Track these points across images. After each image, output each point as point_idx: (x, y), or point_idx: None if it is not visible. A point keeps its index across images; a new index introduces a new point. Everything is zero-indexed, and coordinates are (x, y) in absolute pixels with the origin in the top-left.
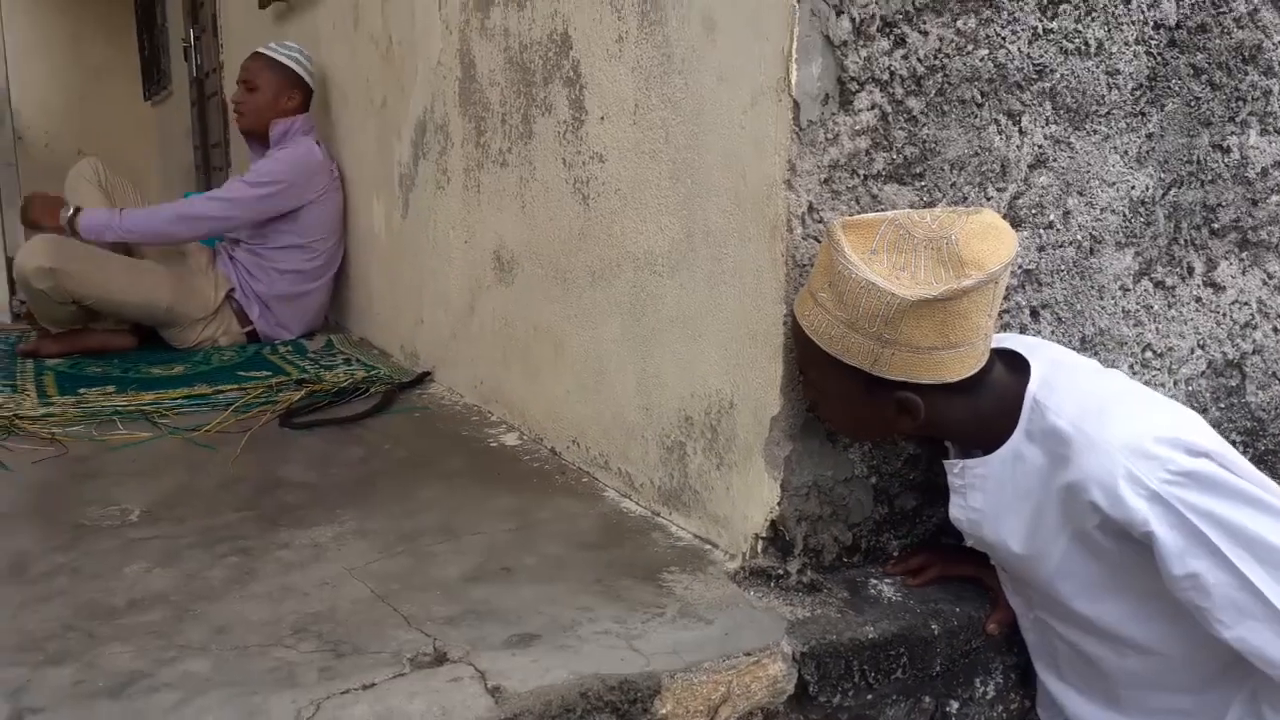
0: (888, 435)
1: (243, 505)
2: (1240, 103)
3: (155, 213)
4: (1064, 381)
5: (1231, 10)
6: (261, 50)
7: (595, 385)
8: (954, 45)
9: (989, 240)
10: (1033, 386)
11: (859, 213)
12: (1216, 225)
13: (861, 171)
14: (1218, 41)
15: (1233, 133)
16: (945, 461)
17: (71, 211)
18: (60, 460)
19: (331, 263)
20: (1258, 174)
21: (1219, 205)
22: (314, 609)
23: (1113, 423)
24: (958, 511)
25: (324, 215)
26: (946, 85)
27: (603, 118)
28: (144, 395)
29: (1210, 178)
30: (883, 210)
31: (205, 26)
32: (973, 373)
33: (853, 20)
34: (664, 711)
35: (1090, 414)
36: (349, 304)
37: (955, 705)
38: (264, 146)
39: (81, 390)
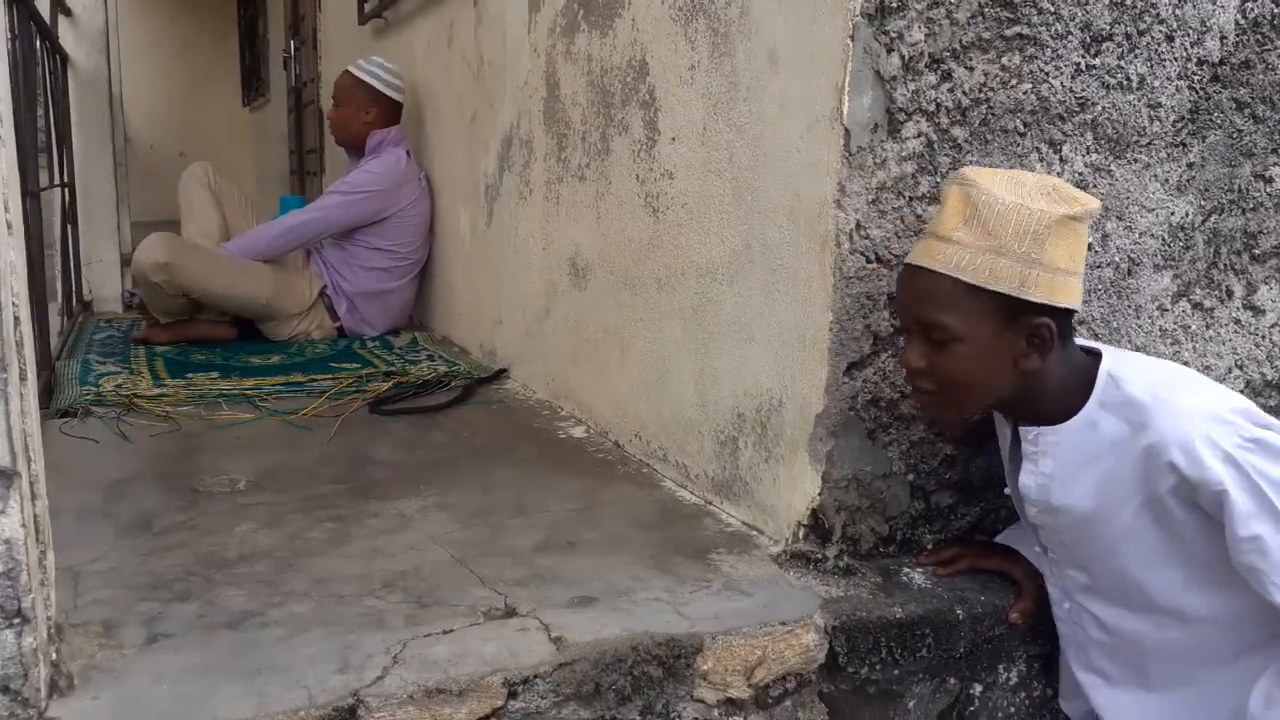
0: (996, 393)
1: (337, 479)
2: None
3: (261, 235)
4: (1134, 362)
5: (1276, 47)
6: (349, 67)
7: (657, 384)
8: (998, 80)
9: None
10: (1106, 364)
11: (904, 231)
12: (1257, 251)
13: (907, 193)
14: (1261, 77)
15: (1275, 164)
16: (1021, 429)
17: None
18: (174, 435)
19: (416, 265)
20: None
21: (1260, 232)
22: (400, 568)
23: (1187, 393)
24: (1028, 478)
25: (410, 222)
26: (990, 116)
27: (674, 139)
28: (245, 381)
29: (1252, 206)
30: (923, 224)
31: (305, 39)
32: (1080, 306)
33: (902, 57)
34: (705, 668)
35: (1163, 386)
36: (433, 304)
37: (979, 689)
38: (360, 157)
39: (189, 375)
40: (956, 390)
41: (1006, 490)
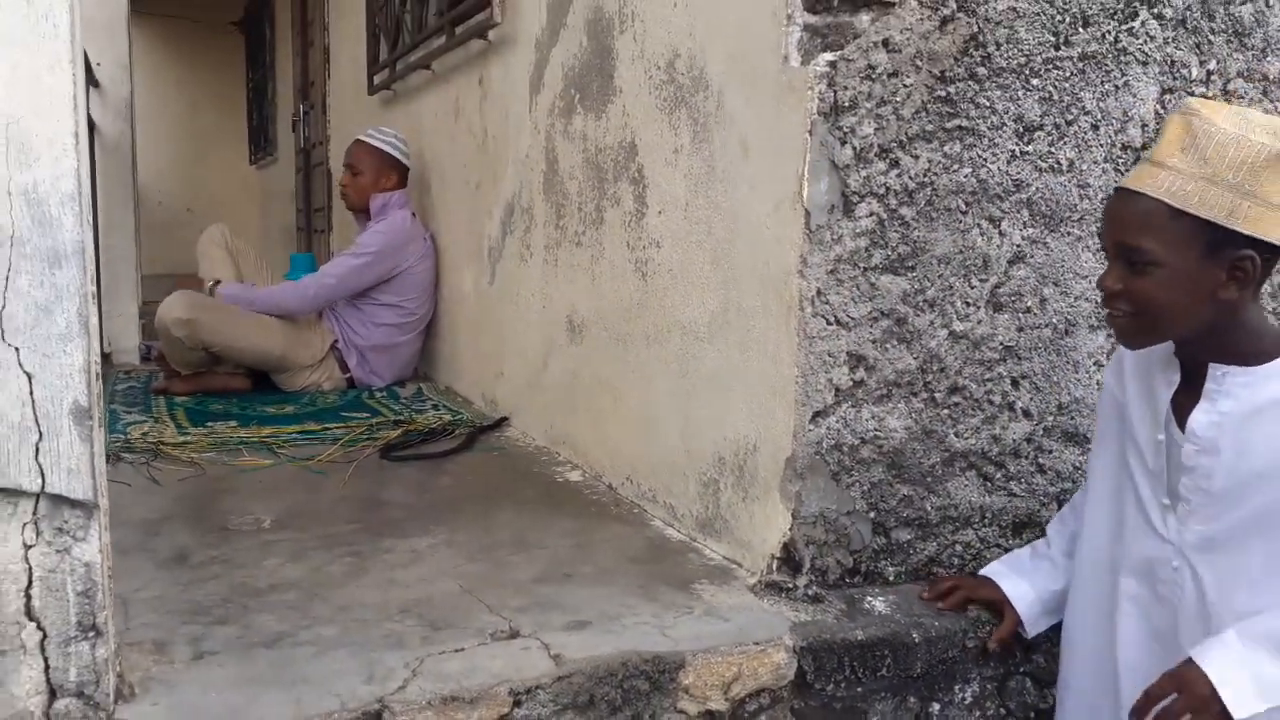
0: (1191, 323)
1: (353, 519)
2: None
3: (278, 294)
4: None
5: None
6: (362, 137)
7: (647, 431)
8: (941, 165)
9: None
10: None
11: (860, 297)
12: None
13: (861, 264)
14: None
15: None
16: (1212, 365)
17: (212, 283)
18: (200, 479)
19: (422, 320)
20: None
21: None
22: (415, 596)
23: None
24: (1202, 416)
25: (417, 278)
26: (935, 197)
27: (660, 212)
28: (263, 429)
29: None
30: (877, 295)
31: (315, 103)
32: None
33: (854, 148)
34: (687, 682)
35: None
36: (438, 357)
37: (937, 707)
38: (368, 219)
39: (209, 423)
40: (1151, 315)
41: (1151, 442)
